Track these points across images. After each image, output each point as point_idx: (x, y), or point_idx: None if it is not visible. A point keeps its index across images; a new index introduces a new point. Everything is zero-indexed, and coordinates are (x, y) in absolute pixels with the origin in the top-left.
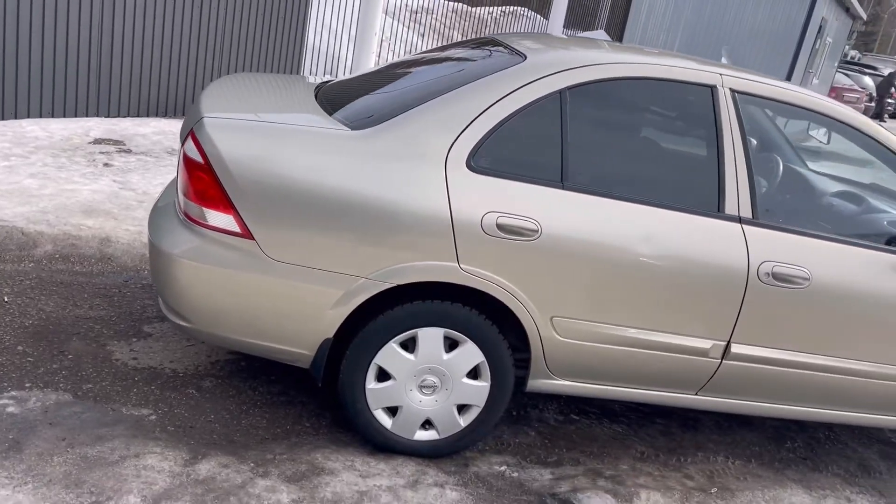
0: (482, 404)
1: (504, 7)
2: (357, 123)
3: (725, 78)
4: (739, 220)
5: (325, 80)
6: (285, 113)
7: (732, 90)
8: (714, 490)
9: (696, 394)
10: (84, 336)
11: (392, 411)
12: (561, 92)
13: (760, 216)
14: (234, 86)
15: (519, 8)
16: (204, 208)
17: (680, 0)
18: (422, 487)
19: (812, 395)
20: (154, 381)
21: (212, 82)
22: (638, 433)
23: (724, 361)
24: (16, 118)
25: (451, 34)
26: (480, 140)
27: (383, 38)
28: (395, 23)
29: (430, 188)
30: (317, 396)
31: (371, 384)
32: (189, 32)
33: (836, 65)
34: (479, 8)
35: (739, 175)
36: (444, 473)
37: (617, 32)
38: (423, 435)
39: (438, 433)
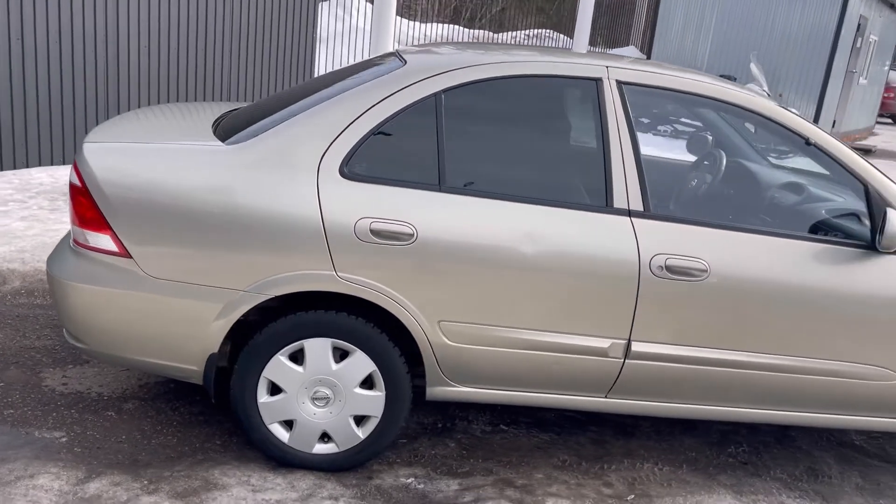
0: (379, 414)
1: (528, 31)
2: (231, 139)
3: (612, 70)
4: (629, 213)
5: (233, 107)
6: (164, 136)
7: (619, 82)
8: (631, 497)
9: (606, 396)
10: (22, 364)
11: (289, 425)
12: (436, 95)
13: (655, 209)
14: (132, 118)
15: (544, 31)
16: (85, 231)
17: (707, 11)
18: (314, 501)
19: (734, 394)
20: (76, 404)
21: (118, 115)
22: (567, 442)
23: (627, 361)
24: (27, 167)
25: None
26: (354, 147)
27: None
28: None
29: (302, 197)
30: (233, 415)
31: (263, 398)
32: (197, 80)
33: (887, 63)
34: (503, 33)
35: (627, 168)
36: (343, 486)
37: (646, 48)
38: (321, 448)
39: (337, 446)
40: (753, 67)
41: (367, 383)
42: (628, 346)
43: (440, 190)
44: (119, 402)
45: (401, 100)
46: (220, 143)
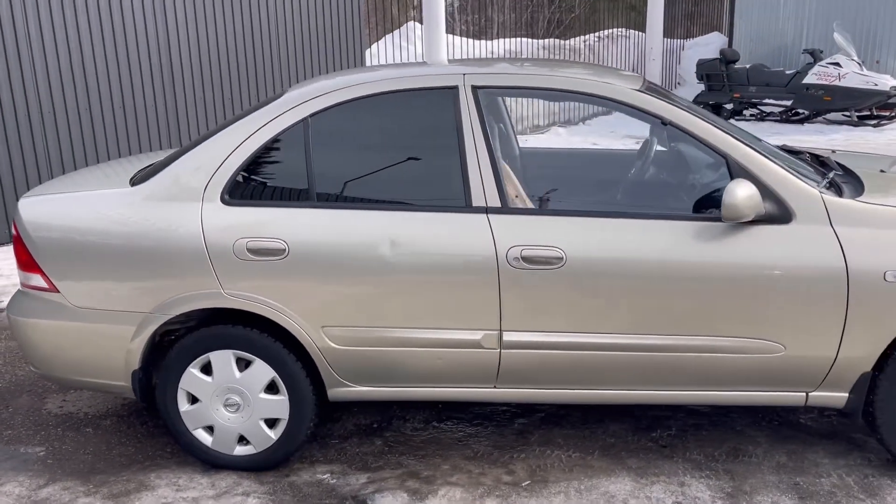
0: (286, 416)
1: (598, 32)
2: (137, 180)
3: (468, 77)
4: (486, 210)
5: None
6: (83, 186)
7: (474, 87)
8: (527, 483)
9: (495, 387)
10: (33, 392)
11: (211, 430)
12: (305, 120)
13: (513, 204)
14: (68, 176)
15: (616, 30)
16: (24, 272)
17: None
18: (226, 497)
19: (617, 377)
20: (64, 423)
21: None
22: (490, 434)
23: (503, 351)
24: None
25: None
26: (234, 174)
27: None
28: None
29: (189, 224)
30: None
31: (184, 406)
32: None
33: None
34: (572, 39)
35: (483, 168)
36: (259, 484)
37: (727, 31)
38: (241, 450)
39: (254, 447)
40: (838, 37)
41: (273, 389)
42: (501, 336)
43: (309, 206)
44: (98, 419)
45: (274, 127)
46: (128, 186)
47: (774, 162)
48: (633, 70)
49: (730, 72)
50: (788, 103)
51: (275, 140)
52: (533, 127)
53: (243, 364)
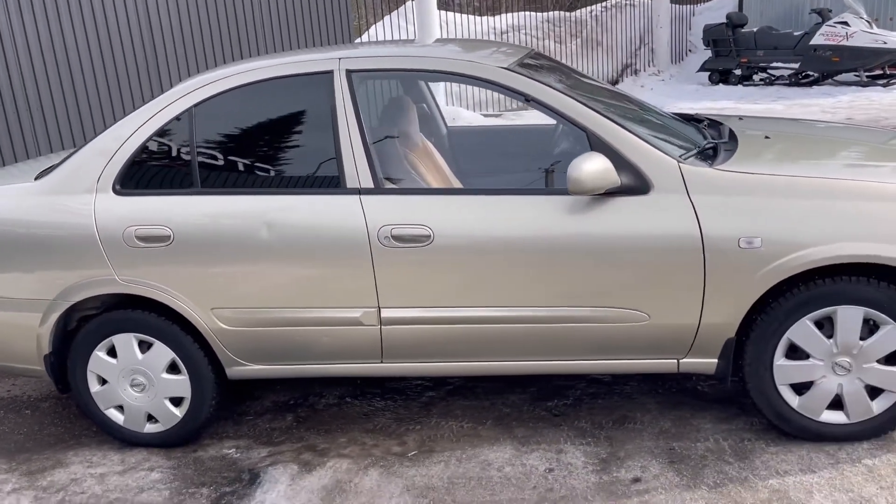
0: (189, 395)
1: (605, 2)
2: (40, 175)
3: (343, 61)
4: (359, 192)
5: None
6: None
7: (348, 71)
8: (413, 453)
9: (382, 362)
10: None
11: (121, 409)
12: (189, 109)
13: (383, 185)
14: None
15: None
16: None
17: None
18: (131, 472)
19: (497, 349)
20: (7, 406)
21: None
22: (396, 408)
23: (383, 327)
24: None
25: (545, 45)
26: (124, 165)
27: None
28: None
29: (82, 215)
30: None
31: (94, 388)
32: None
33: None
34: (578, 11)
35: (356, 151)
36: (166, 459)
37: None
38: (151, 427)
39: (162, 425)
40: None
41: (175, 369)
42: (379, 313)
43: (194, 193)
44: (38, 402)
45: (161, 118)
46: (32, 181)
47: (634, 133)
48: (641, 39)
49: (737, 36)
50: (797, 66)
51: (162, 130)
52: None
53: (145, 346)
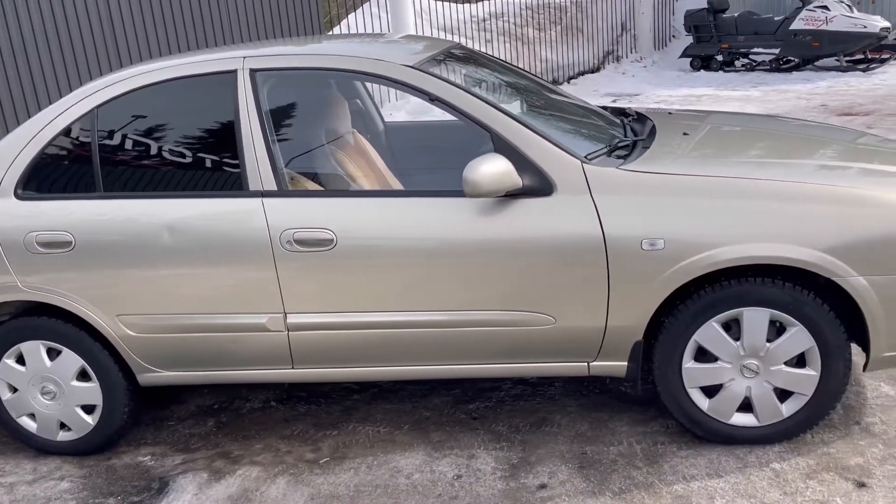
0: (100, 403)
1: None
2: None
3: (247, 60)
4: (262, 194)
5: None
6: None
7: (252, 70)
8: (325, 460)
9: (294, 368)
10: None
11: (34, 417)
12: (92, 111)
13: (286, 187)
14: None
15: None
16: None
17: None
18: (41, 481)
19: (405, 354)
20: None
21: None
22: (318, 412)
23: (290, 333)
24: None
25: (525, 32)
26: (26, 169)
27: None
28: (459, 38)
29: None
30: None
31: (6, 396)
32: None
33: None
34: None
35: (258, 152)
36: (78, 468)
37: None
38: (64, 435)
39: (75, 433)
40: None
41: (86, 376)
42: (285, 318)
43: (97, 197)
44: None
45: (64, 120)
46: None
47: (538, 133)
48: (623, 26)
49: (718, 21)
50: (777, 51)
51: (65, 132)
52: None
53: (55, 353)
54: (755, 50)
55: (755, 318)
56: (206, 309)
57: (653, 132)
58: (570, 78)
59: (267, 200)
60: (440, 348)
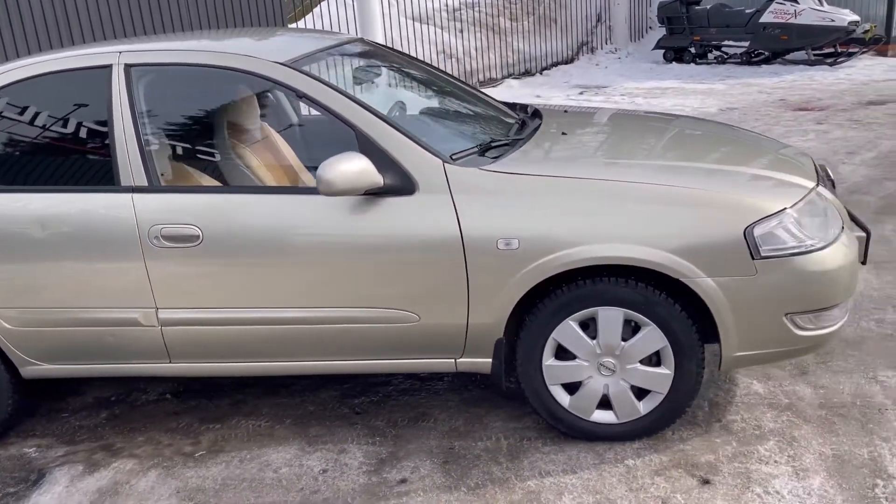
0: None
1: None
2: None
3: (123, 55)
4: (132, 189)
5: None
6: None
7: (127, 65)
8: (201, 454)
9: (171, 362)
10: None
11: None
12: None
13: (158, 182)
14: None
15: None
16: None
17: None
18: None
19: (280, 349)
20: None
21: None
22: (208, 406)
23: (163, 328)
24: None
25: (498, 22)
26: None
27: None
28: (430, 27)
29: None
30: None
31: None
32: None
33: None
34: None
35: (130, 147)
36: None
37: None
38: None
39: None
40: None
41: None
42: (157, 314)
43: None
44: None
45: None
46: None
47: (402, 132)
48: (599, 17)
49: (690, 13)
50: (747, 44)
51: None
52: (487, 80)
53: None
54: (727, 43)
55: (610, 318)
56: (80, 303)
57: (534, 131)
58: (544, 69)
59: (137, 196)
60: (310, 345)
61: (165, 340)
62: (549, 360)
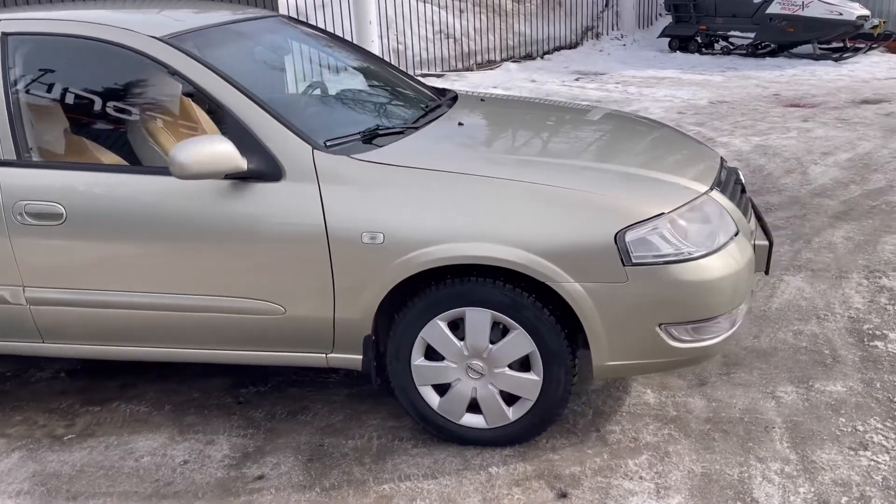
0: None
1: None
2: None
3: (1, 23)
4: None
5: None
6: None
7: (4, 34)
8: (69, 437)
9: (43, 342)
10: None
11: None
12: None
13: (28, 156)
14: None
15: None
16: None
17: None
18: None
19: (146, 335)
20: None
21: None
22: (97, 388)
23: (31, 307)
24: None
25: (502, 4)
26: None
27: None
28: (429, 6)
29: None
30: None
31: None
32: None
33: None
34: None
35: None
36: None
37: None
38: None
39: None
40: None
41: None
42: (24, 292)
43: None
44: None
45: None
46: None
47: (274, 116)
48: (606, 1)
49: (697, 1)
50: (753, 36)
51: None
52: (485, 62)
53: None
54: (733, 33)
55: (477, 319)
56: None
57: (433, 120)
58: (545, 53)
59: (3, 170)
60: (178, 332)
61: (35, 320)
62: (418, 360)
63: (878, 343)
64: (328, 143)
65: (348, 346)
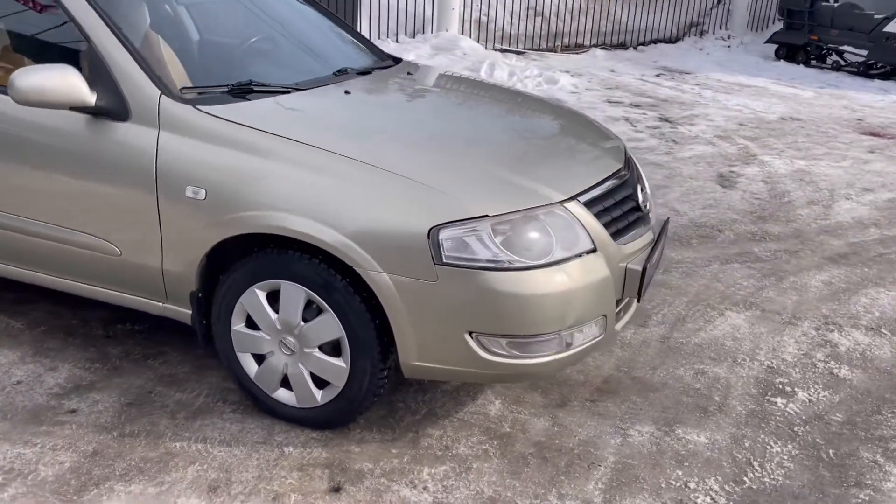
0: None
1: None
2: None
3: None
4: None
5: None
6: None
7: None
8: None
9: None
10: None
11: None
12: None
13: None
14: None
15: None
16: None
17: None
18: None
19: (11, 255)
20: None
21: None
22: None
23: None
24: None
25: None
26: None
27: None
28: None
29: None
30: None
31: None
32: None
33: None
34: None
35: None
36: None
37: None
38: None
39: None
40: None
41: None
42: None
43: None
44: None
45: None
46: None
47: (133, 55)
48: (719, 0)
49: (815, 9)
50: (865, 54)
51: None
52: (574, 45)
53: None
54: (848, 48)
55: (291, 294)
56: None
57: (326, 84)
58: (640, 44)
59: None
60: (31, 256)
61: None
62: (237, 325)
63: (780, 400)
64: (184, 90)
65: (178, 299)
